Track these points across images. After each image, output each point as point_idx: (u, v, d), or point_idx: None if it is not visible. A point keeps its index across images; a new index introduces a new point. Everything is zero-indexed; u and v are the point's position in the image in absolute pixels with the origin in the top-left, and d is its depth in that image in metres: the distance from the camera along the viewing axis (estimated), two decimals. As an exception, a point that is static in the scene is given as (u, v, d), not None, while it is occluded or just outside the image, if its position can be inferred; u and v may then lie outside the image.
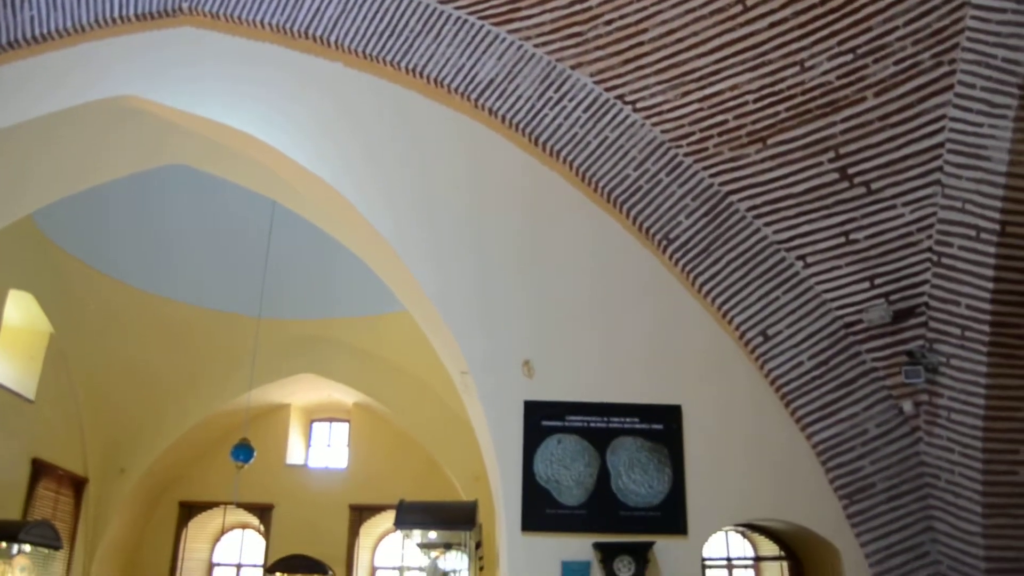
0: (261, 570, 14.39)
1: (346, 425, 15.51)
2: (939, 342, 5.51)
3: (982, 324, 5.20)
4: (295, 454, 15.23)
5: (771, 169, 5.87)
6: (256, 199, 11.60)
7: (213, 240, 12.99)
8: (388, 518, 13.73)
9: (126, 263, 12.38)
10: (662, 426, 5.90)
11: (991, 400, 5.26)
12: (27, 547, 10.40)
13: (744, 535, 13.43)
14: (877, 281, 5.72)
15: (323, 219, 7.27)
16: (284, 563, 13.66)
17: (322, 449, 15.63)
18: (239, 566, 14.92)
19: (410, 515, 6.71)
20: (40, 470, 11.67)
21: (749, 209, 6.00)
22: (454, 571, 7.41)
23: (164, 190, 12.48)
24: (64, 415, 12.33)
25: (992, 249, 5.06)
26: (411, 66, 6.53)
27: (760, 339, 5.91)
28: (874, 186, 5.61)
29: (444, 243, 6.32)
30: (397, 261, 6.33)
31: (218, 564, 14.94)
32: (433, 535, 7.26)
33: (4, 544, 10.11)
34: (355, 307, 13.14)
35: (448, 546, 7.51)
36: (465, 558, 7.40)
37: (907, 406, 5.71)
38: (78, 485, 12.79)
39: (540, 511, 5.66)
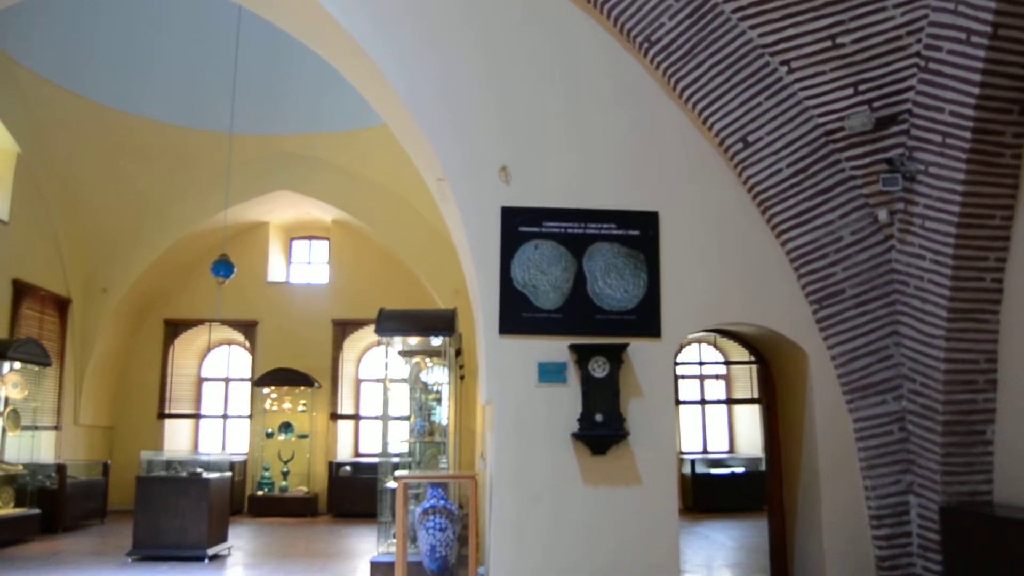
0: (249, 384, 14.85)
1: (326, 243, 15.57)
2: (919, 150, 5.47)
3: (964, 131, 5.14)
4: (276, 271, 15.36)
5: (759, -33, 5.60)
6: (223, 7, 11.11)
7: (182, 54, 12.49)
8: (370, 332, 14.07)
9: (92, 80, 11.97)
10: (639, 232, 5.92)
11: (966, 208, 5.28)
12: (17, 364, 10.62)
13: (715, 345, 13.95)
14: (861, 87, 5.59)
15: (291, 24, 6.94)
16: (271, 376, 14.12)
17: (303, 266, 15.77)
18: (227, 380, 15.37)
19: (390, 322, 6.79)
20: (22, 291, 11.75)
21: (734, 11, 5.75)
22: (436, 383, 7.61)
23: (128, 3, 11.88)
24: (41, 236, 12.29)
25: (982, 53, 4.91)
26: None
27: (740, 145, 5.85)
28: (865, -14, 5.37)
29: (419, 46, 6.07)
30: (371, 66, 6.10)
31: (207, 379, 15.36)
32: (414, 342, 7.40)
33: (-6, 362, 10.34)
34: (331, 122, 12.86)
35: (429, 354, 7.68)
36: (446, 371, 7.59)
37: (882, 214, 5.75)
38: (62, 305, 12.92)
39: (517, 315, 5.77)
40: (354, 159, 13.16)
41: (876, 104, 5.57)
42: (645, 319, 5.84)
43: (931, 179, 5.42)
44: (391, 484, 6.98)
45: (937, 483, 5.58)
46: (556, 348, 5.75)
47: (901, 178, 5.56)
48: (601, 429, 5.57)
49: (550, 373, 5.72)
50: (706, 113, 5.88)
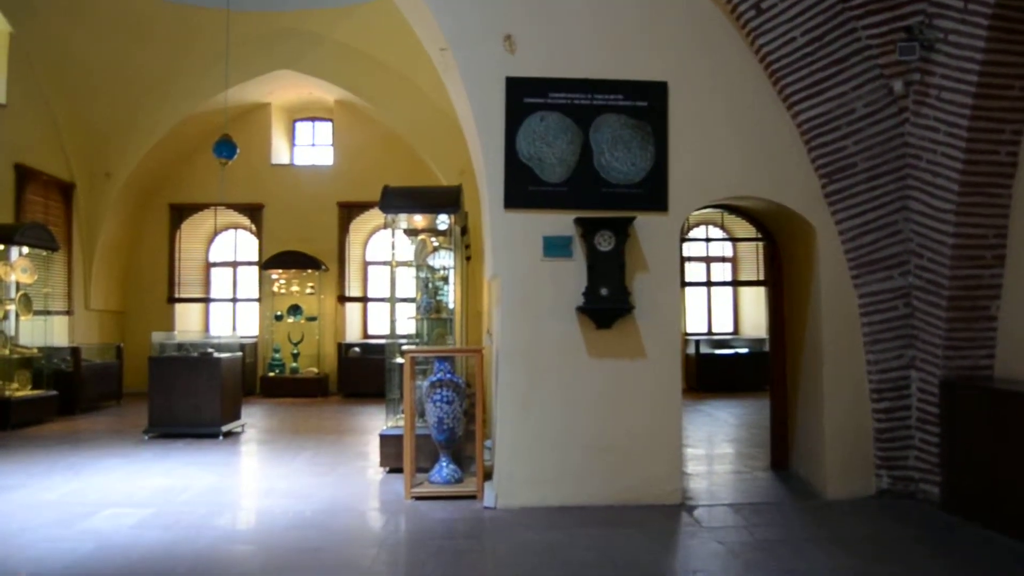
0: (256, 267, 14.91)
1: (329, 124, 15.35)
2: (939, 17, 5.28)
3: (988, -7, 4.95)
4: (280, 154, 15.20)
5: None
6: None
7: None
8: (376, 215, 14.06)
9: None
10: (647, 103, 5.77)
11: (984, 77, 5.14)
12: (25, 249, 10.65)
13: (722, 226, 13.88)
14: (882, -51, 5.36)
15: None
16: (278, 259, 14.18)
17: (307, 148, 15.59)
18: (235, 264, 15.42)
19: (395, 199, 6.71)
20: (25, 176, 11.67)
21: None
22: (443, 268, 7.59)
23: None
24: (40, 119, 12.12)
25: (1009, -90, 4.69)
26: None
27: (752, 12, 5.63)
28: None
29: (419, -92, 5.79)
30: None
31: (214, 263, 15.42)
32: (419, 219, 7.34)
33: (2, 247, 10.35)
34: (331, -4, 12.44)
35: (435, 233, 7.64)
36: (451, 255, 7.56)
37: (897, 85, 5.60)
38: (65, 190, 12.87)
39: (523, 188, 5.69)
40: (356, 35, 12.78)
41: (896, -33, 5.34)
42: (652, 193, 5.76)
43: (950, 47, 5.26)
44: (400, 360, 7.07)
45: (939, 358, 5.63)
46: (562, 222, 5.71)
47: (919, 47, 5.40)
48: (606, 303, 5.58)
49: (555, 247, 5.69)
50: (718, -23, 5.65)
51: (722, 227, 14.29)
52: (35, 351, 10.89)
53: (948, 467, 5.55)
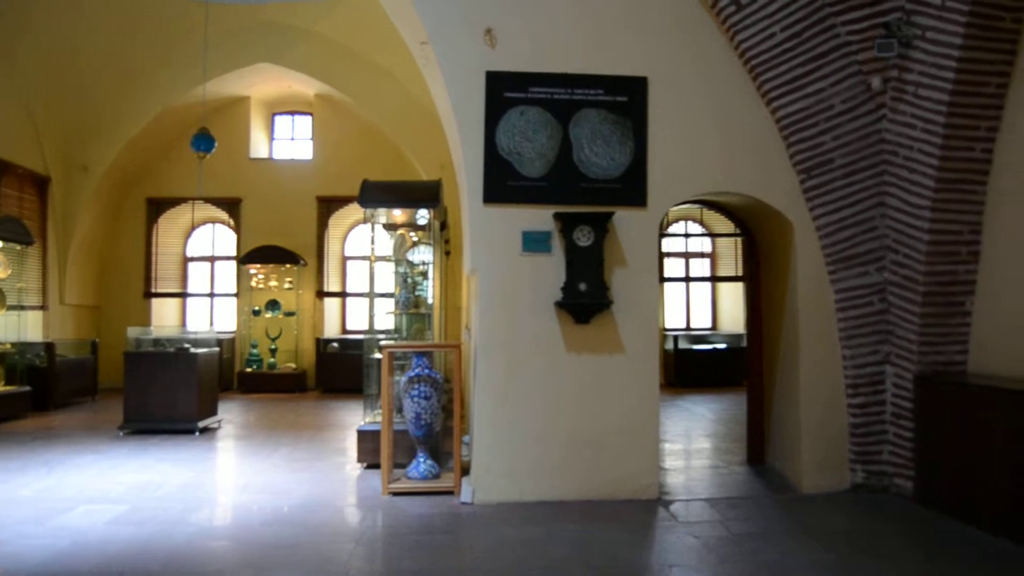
0: (234, 262, 14.80)
1: (309, 118, 15.25)
2: (917, 13, 5.32)
3: (965, -9, 4.98)
4: (259, 148, 15.09)
5: None
6: None
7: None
8: (356, 210, 13.97)
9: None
10: (626, 98, 5.77)
11: (961, 74, 5.19)
12: (-1, 243, 10.51)
13: (701, 221, 13.92)
14: (861, -54, 5.38)
15: None
16: (256, 254, 14.08)
17: (286, 142, 15.48)
18: (212, 259, 15.29)
19: (374, 194, 6.67)
20: (-1, 169, 11.51)
21: None
22: (423, 263, 7.57)
23: None
24: (15, 112, 11.93)
25: (986, -92, 4.72)
26: None
27: (732, 8, 5.64)
28: None
29: (398, -99, 5.76)
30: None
31: (192, 258, 15.28)
32: (398, 213, 7.31)
33: (-24, 240, 10.22)
34: (310, -12, 12.34)
35: (414, 228, 7.61)
36: (431, 249, 7.54)
37: (875, 82, 5.63)
38: (41, 184, 12.69)
39: (502, 183, 5.67)
40: (336, 29, 12.71)
41: (875, -36, 5.37)
42: (631, 188, 5.77)
43: (927, 44, 5.29)
44: (378, 355, 7.04)
45: (914, 353, 5.68)
46: (541, 217, 5.70)
47: (897, 43, 5.43)
48: (585, 298, 5.58)
49: (534, 242, 5.68)
50: (698, -27, 5.65)
51: (701, 223, 14.32)
52: (8, 346, 10.76)
53: (922, 462, 5.60)
